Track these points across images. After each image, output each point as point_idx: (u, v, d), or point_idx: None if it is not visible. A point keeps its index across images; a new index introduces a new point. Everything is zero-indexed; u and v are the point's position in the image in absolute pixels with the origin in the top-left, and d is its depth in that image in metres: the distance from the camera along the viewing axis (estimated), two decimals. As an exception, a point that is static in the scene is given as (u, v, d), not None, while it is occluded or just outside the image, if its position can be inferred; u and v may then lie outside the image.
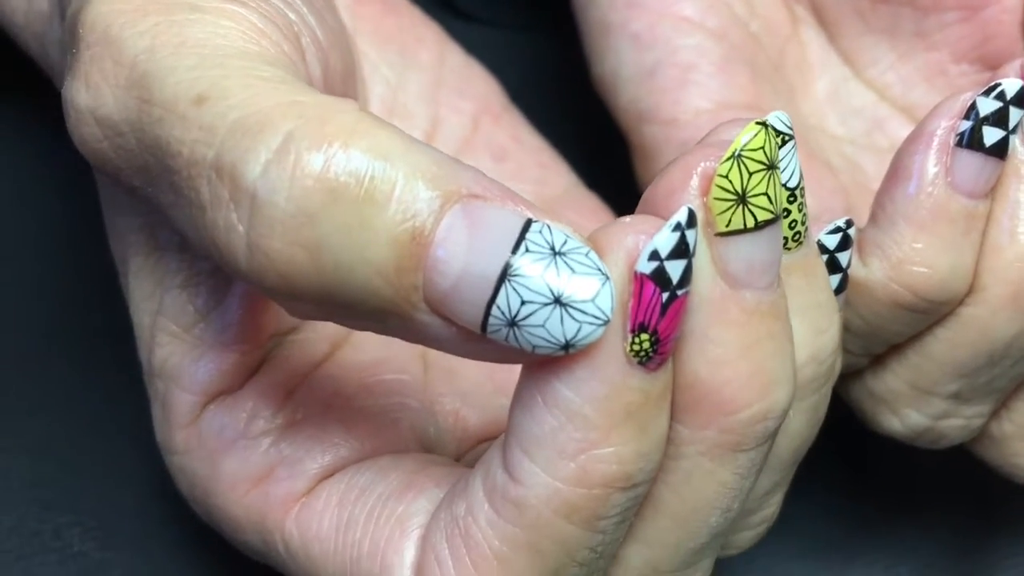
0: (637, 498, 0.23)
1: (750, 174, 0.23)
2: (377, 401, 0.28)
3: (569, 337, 0.21)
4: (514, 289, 0.21)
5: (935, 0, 0.33)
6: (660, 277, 0.22)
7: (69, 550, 0.33)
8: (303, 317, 0.24)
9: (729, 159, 0.23)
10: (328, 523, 0.26)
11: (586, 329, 0.21)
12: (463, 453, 0.29)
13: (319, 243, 0.21)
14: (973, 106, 0.27)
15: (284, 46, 0.24)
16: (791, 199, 0.24)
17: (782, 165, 0.24)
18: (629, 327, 0.22)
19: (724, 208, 0.23)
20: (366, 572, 0.25)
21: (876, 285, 0.28)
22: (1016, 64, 0.28)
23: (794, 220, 0.25)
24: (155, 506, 0.34)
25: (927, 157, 0.27)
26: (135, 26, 0.23)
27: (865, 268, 0.28)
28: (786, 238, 0.25)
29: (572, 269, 0.21)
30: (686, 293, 0.22)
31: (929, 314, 0.28)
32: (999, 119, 0.27)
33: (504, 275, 0.21)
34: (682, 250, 0.22)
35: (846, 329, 0.29)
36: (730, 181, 0.23)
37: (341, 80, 0.28)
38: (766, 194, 0.23)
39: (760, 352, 0.23)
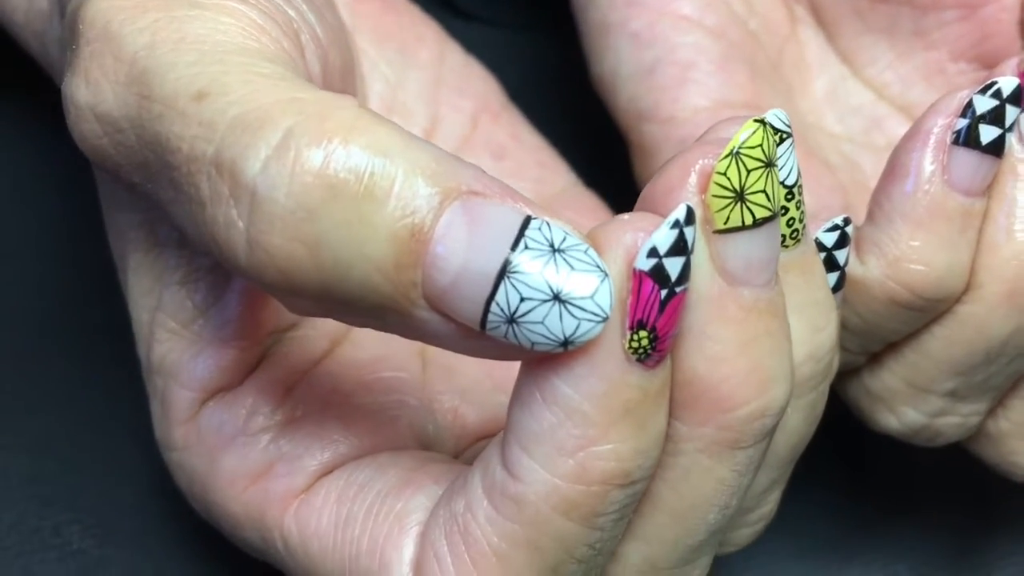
0: (635, 495, 0.23)
1: (748, 172, 0.23)
2: (376, 398, 0.28)
3: (568, 334, 0.21)
4: (513, 286, 0.21)
5: (934, -1, 0.33)
6: (659, 274, 0.22)
7: (68, 547, 0.33)
8: (302, 313, 0.24)
9: (727, 157, 0.23)
10: (327, 520, 0.26)
11: (585, 326, 0.21)
12: (462, 450, 0.29)
13: (318, 239, 0.21)
14: (970, 104, 0.27)
15: (284, 43, 0.24)
16: (789, 197, 0.24)
17: (780, 163, 0.24)
18: (628, 324, 0.22)
19: (722, 205, 0.23)
20: (365, 569, 0.25)
21: (873, 283, 0.28)
22: (1013, 62, 0.28)
23: (792, 218, 0.25)
24: (154, 503, 0.34)
25: (924, 155, 0.28)
26: (135, 22, 0.23)
27: (862, 266, 0.28)
28: (784, 236, 0.25)
29: (571, 266, 0.21)
30: (684, 290, 0.22)
31: (926, 312, 0.28)
32: (996, 117, 0.27)
33: (503, 272, 0.21)
34: (680, 247, 0.22)
35: (843, 327, 0.29)
36: (728, 179, 0.23)
37: (340, 77, 0.28)
38: (764, 192, 0.23)
39: (758, 349, 0.23)
